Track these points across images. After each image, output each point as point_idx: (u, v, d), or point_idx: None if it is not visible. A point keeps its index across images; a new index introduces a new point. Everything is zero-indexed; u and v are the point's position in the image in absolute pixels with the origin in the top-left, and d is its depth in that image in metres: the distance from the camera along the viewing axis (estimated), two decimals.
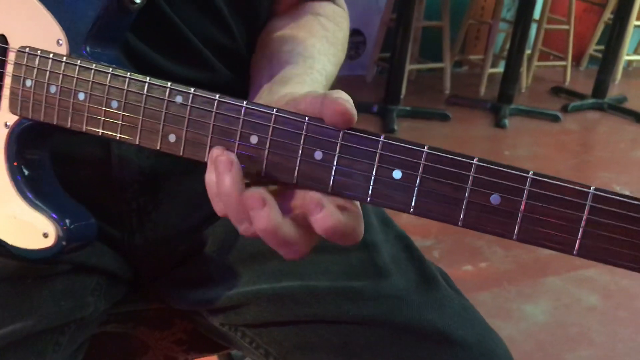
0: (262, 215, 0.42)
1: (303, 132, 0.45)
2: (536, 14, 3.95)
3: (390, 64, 3.43)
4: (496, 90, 3.80)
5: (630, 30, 4.43)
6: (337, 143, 0.44)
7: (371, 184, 0.44)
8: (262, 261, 0.67)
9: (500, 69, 4.09)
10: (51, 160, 0.61)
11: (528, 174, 0.40)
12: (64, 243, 0.56)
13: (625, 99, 4.35)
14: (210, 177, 0.46)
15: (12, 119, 0.57)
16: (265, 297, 0.65)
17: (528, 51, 4.23)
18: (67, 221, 0.57)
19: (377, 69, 4.19)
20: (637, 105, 4.18)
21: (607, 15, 4.91)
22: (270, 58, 0.65)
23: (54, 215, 0.57)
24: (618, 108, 4.10)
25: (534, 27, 4.16)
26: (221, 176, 0.44)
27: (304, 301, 0.63)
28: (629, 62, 5.44)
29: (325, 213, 0.42)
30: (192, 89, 0.48)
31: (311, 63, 0.62)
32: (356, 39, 4.22)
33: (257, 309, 0.65)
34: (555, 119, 3.77)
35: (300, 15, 0.73)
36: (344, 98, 0.44)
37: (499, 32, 4.24)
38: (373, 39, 4.13)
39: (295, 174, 0.45)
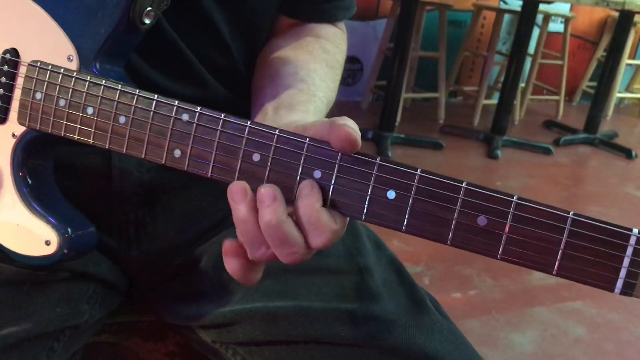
0: (271, 209, 0.46)
1: (303, 152, 0.47)
2: (531, 49, 4.01)
3: (386, 91, 3.47)
4: (489, 121, 3.85)
5: (622, 68, 4.51)
6: (336, 164, 0.47)
7: (366, 203, 0.46)
8: None
9: (494, 100, 4.15)
10: (53, 170, 0.62)
11: (513, 198, 0.43)
12: (65, 251, 0.58)
13: (616, 135, 4.41)
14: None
15: (20, 129, 0.58)
16: (258, 315, 0.65)
17: (522, 84, 4.29)
18: (69, 229, 0.58)
19: (373, 96, 4.24)
20: (628, 141, 4.24)
21: (600, 52, 5.00)
22: (272, 78, 0.67)
23: (56, 223, 0.58)
24: (609, 144, 4.16)
25: (528, 61, 4.23)
26: (236, 205, 0.48)
27: (297, 321, 0.64)
28: (621, 99, 5.53)
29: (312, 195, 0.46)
30: (199, 108, 0.50)
31: (314, 91, 0.64)
32: (353, 67, 4.27)
33: (250, 327, 0.65)
34: (547, 152, 3.81)
35: (302, 36, 0.74)
36: (349, 124, 0.47)
37: (494, 65, 4.30)
38: (370, 66, 4.18)
39: (295, 191, 0.47)
